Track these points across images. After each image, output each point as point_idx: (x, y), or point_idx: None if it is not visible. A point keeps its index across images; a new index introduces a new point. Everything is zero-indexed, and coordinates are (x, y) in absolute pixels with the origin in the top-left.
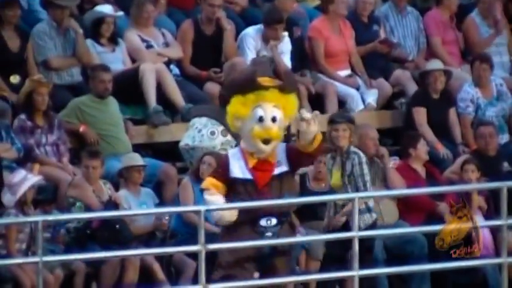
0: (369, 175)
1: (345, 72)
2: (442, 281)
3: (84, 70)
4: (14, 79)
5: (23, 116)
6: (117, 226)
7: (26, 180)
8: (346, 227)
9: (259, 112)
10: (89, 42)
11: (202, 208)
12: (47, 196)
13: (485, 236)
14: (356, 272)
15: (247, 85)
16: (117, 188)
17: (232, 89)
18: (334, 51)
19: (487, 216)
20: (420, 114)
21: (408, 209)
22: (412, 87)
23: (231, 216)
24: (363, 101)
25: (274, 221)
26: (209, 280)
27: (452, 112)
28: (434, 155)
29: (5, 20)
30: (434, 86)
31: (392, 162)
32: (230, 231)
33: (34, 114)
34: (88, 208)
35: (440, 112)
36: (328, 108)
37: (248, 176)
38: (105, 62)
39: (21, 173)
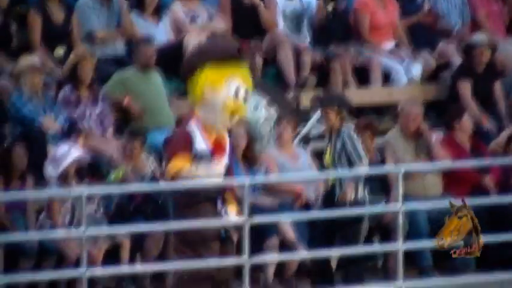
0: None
1: (389, 45)
2: (487, 254)
3: (128, 43)
4: (59, 51)
5: (67, 89)
6: (160, 201)
7: (69, 154)
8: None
9: (235, 86)
10: (133, 14)
11: (246, 181)
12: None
13: None
14: (400, 246)
15: (230, 52)
16: (161, 160)
17: (209, 56)
18: (380, 24)
19: None
20: (465, 88)
21: (453, 182)
22: (456, 60)
23: None
24: (407, 73)
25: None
26: (253, 252)
27: (497, 85)
28: (479, 128)
29: None
30: (480, 59)
31: (436, 136)
32: (192, 210)
33: (79, 87)
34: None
35: (485, 85)
36: (373, 81)
37: (208, 151)
38: (149, 34)
39: (65, 147)
